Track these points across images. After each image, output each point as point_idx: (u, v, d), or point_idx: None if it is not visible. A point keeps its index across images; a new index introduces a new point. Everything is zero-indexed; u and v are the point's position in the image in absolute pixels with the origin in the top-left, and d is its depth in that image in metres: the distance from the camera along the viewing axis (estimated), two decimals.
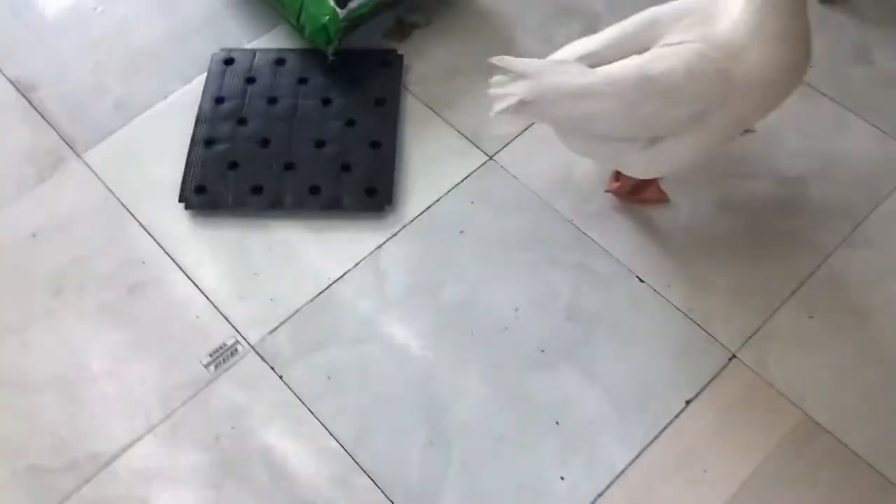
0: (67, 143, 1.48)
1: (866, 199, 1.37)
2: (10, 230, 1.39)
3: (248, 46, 1.58)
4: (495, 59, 1.18)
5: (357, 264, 1.34)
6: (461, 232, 1.36)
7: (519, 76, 1.17)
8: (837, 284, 1.30)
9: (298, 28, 1.52)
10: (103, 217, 1.40)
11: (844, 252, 1.32)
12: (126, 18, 1.64)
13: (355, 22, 1.50)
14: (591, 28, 1.55)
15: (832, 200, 1.37)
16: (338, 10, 1.47)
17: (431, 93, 1.52)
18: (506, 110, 1.16)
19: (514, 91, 1.16)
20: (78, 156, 1.46)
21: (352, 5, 1.48)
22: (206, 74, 1.53)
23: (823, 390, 1.20)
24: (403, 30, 1.60)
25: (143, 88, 1.54)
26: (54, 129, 1.50)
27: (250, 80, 1.51)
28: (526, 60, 1.18)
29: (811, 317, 1.27)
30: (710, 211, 1.37)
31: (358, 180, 1.40)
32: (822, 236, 1.34)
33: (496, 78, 1.19)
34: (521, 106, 1.16)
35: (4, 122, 1.51)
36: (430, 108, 1.49)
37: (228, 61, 1.54)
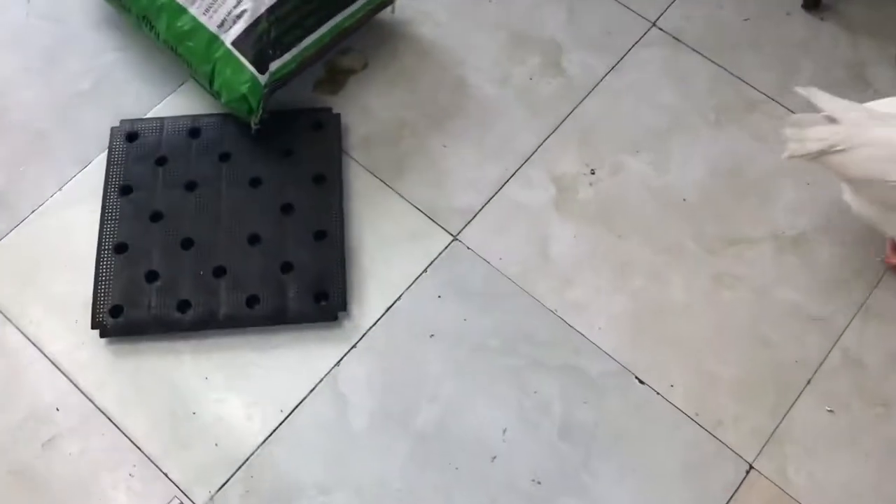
0: None
1: (877, 260, 1.22)
2: None
3: (153, 113, 1.32)
4: (801, 89, 1.06)
5: (312, 390, 1.14)
6: (431, 336, 1.17)
7: (827, 119, 1.04)
8: (854, 367, 1.17)
9: (213, 94, 1.28)
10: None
11: (857, 326, 1.19)
12: None
13: (282, 82, 1.27)
14: (553, 63, 1.35)
15: (839, 261, 1.23)
16: (258, 75, 1.22)
17: (377, 158, 1.30)
18: (800, 156, 1.05)
19: (820, 137, 1.03)
20: None
21: (274, 66, 1.24)
22: (105, 154, 1.28)
23: (854, 500, 1.09)
24: (336, 78, 1.36)
25: (30, 179, 1.28)
26: None
27: (161, 161, 1.27)
28: (841, 103, 1.05)
29: (830, 410, 1.14)
30: (706, 285, 1.22)
31: (303, 283, 1.19)
32: (831, 308, 1.19)
33: (796, 117, 1.06)
34: (823, 156, 1.03)
35: None
36: (379, 179, 1.28)
37: (131, 136, 1.28)
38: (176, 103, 1.33)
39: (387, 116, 1.33)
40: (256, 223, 1.23)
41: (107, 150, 1.27)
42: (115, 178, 1.25)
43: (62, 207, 1.25)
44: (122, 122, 1.29)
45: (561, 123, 1.33)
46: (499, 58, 1.38)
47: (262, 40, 1.22)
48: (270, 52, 1.23)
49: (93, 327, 1.15)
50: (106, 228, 1.21)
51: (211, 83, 1.25)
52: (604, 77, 1.37)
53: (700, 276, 1.21)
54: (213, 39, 1.24)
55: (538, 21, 1.42)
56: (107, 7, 1.38)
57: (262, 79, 1.22)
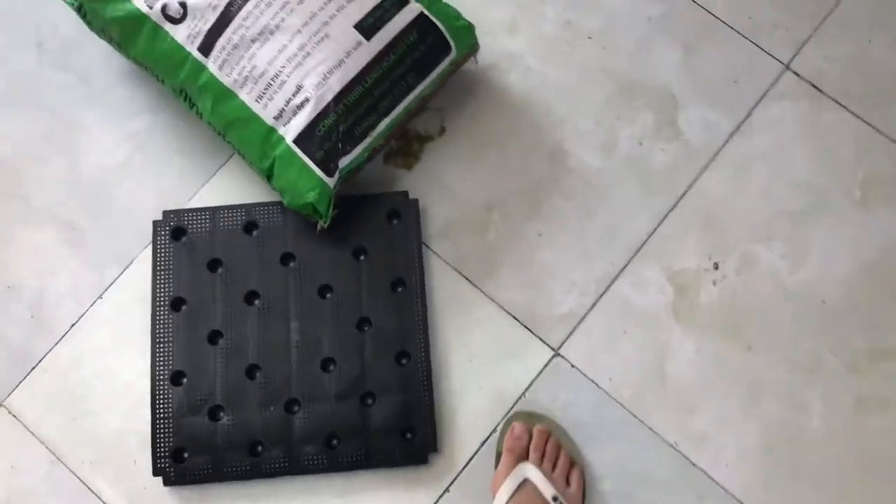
0: None
1: None
2: None
3: (199, 196, 1.13)
4: None
5: None
6: None
7: None
8: None
9: (274, 188, 1.08)
10: (51, 491, 1.04)
11: None
12: (13, 162, 1.16)
13: (353, 174, 1.07)
14: (668, 121, 1.14)
15: None
16: (326, 179, 1.02)
17: (462, 251, 1.11)
18: None
19: None
20: None
21: (344, 163, 1.03)
22: (148, 251, 1.11)
23: None
24: (410, 147, 1.15)
25: (64, 283, 1.11)
26: None
27: (214, 265, 1.09)
28: None
29: None
30: (848, 410, 1.04)
31: (386, 417, 1.04)
32: None
33: None
34: None
35: None
36: (465, 278, 1.10)
37: (177, 233, 1.10)
38: (225, 181, 1.14)
39: (471, 196, 1.13)
40: (330, 344, 1.06)
41: (150, 249, 1.10)
42: (164, 287, 1.08)
43: (106, 320, 1.09)
44: (166, 214, 1.11)
45: (678, 203, 1.13)
46: (603, 115, 1.16)
47: (330, 138, 1.02)
48: (340, 147, 1.03)
49: (154, 474, 1.03)
50: (159, 354, 1.06)
51: (269, 179, 1.06)
52: (728, 140, 1.15)
53: (842, 399, 1.05)
54: (271, 133, 1.03)
55: (648, 63, 1.18)
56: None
57: (332, 181, 1.03)
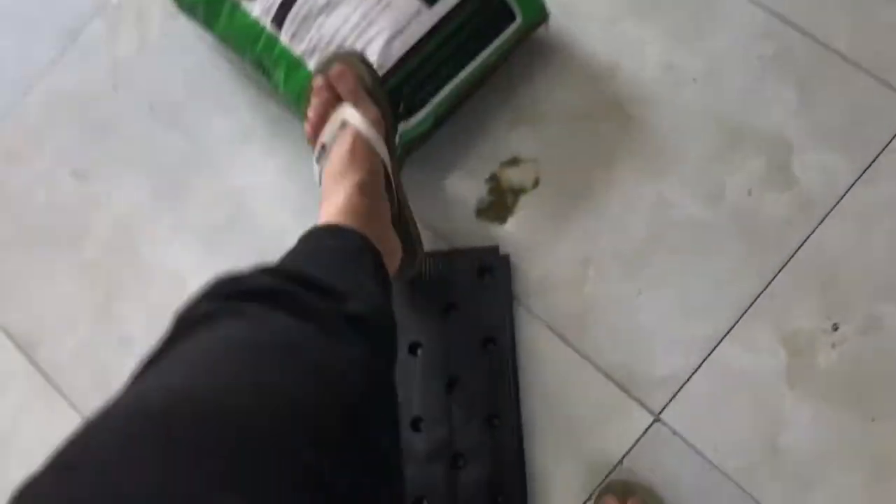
0: None
1: None
2: None
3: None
4: None
5: None
6: None
7: None
8: None
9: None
10: None
11: None
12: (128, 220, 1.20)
13: (416, 143, 1.09)
14: (781, 167, 1.06)
15: None
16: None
17: (556, 308, 1.07)
18: None
19: None
20: None
21: (404, 128, 1.04)
22: None
23: None
24: (503, 200, 1.12)
25: None
26: None
27: None
28: None
29: None
30: None
31: (476, 483, 1.00)
32: None
33: None
34: None
35: None
36: (558, 336, 1.06)
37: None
38: None
39: (566, 251, 1.08)
40: (419, 402, 1.05)
41: None
42: None
43: None
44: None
45: (791, 257, 1.04)
46: (708, 162, 1.09)
47: (393, 102, 1.03)
48: (400, 112, 1.04)
49: None
50: None
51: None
52: (849, 189, 1.05)
53: None
54: None
55: (758, 105, 1.10)
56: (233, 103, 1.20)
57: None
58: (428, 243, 1.08)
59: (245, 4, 1.10)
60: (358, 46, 1.04)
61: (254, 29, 1.09)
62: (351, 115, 0.95)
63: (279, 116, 1.20)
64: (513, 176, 1.13)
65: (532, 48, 1.15)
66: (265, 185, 1.18)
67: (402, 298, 1.08)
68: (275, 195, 1.18)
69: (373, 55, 1.03)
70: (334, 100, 0.97)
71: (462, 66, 1.06)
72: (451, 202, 1.13)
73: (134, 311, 1.16)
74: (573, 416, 1.03)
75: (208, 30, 1.16)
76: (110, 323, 1.16)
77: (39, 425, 1.13)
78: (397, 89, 1.03)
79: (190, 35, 1.23)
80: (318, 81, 0.97)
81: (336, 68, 0.97)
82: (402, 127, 1.05)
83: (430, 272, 1.07)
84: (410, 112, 1.05)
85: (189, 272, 1.16)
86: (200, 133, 1.22)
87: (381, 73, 1.03)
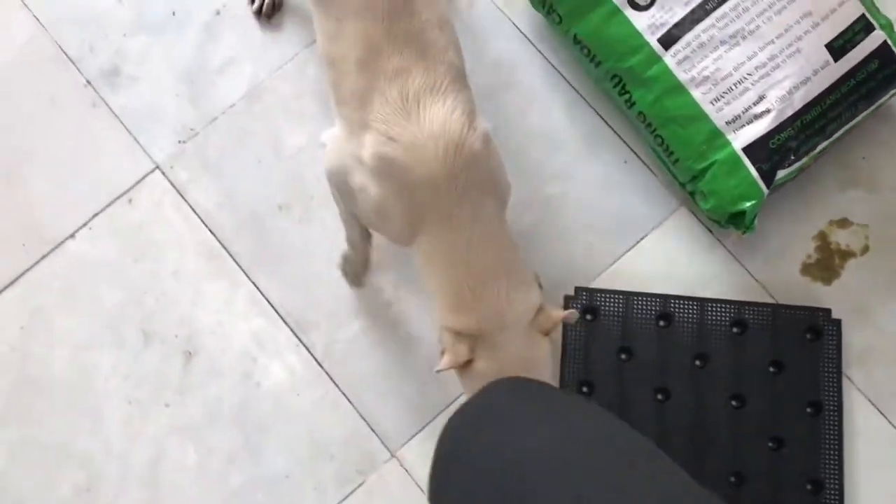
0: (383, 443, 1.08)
1: None
2: None
3: (606, 276, 1.10)
4: None
5: None
6: None
7: None
8: None
9: (682, 184, 1.09)
10: None
11: None
12: None
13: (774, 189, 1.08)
14: None
15: None
16: (764, 190, 1.02)
17: (880, 385, 1.06)
18: None
19: None
20: (392, 455, 1.08)
21: (779, 176, 1.03)
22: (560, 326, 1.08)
23: None
24: (830, 261, 1.10)
25: None
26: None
27: (625, 353, 1.06)
28: None
29: None
30: None
31: None
32: None
33: None
34: None
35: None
36: (881, 414, 1.05)
37: (590, 312, 1.08)
38: (634, 265, 1.10)
39: (893, 326, 1.08)
40: (739, 457, 1.03)
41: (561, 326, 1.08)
42: (575, 366, 1.05)
43: None
44: (578, 291, 1.08)
45: None
46: None
47: (778, 152, 1.02)
48: (783, 161, 1.03)
49: None
50: None
51: (694, 179, 1.05)
52: None
53: None
54: (716, 135, 1.03)
55: None
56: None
57: (766, 193, 1.02)
58: (748, 292, 1.07)
59: (628, 13, 1.04)
60: (757, 88, 1.01)
61: (633, 40, 1.04)
62: None
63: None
64: (841, 238, 1.11)
65: (887, 112, 1.13)
66: (573, 193, 1.14)
67: (726, 346, 1.05)
68: (582, 206, 1.13)
69: (773, 100, 1.00)
70: None
71: (846, 122, 1.05)
72: (777, 253, 1.10)
73: None
74: (893, 496, 1.03)
75: (561, 26, 1.10)
76: None
77: None
78: (788, 139, 1.01)
79: None
80: None
81: None
82: (779, 173, 1.03)
83: (754, 323, 1.06)
84: (788, 164, 1.03)
85: None
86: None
87: (778, 120, 1.01)
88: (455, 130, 0.83)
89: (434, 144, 0.83)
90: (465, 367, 0.85)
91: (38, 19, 1.20)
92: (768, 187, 1.02)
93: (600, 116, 1.14)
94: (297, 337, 1.10)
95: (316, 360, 1.09)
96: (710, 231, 1.11)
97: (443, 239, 0.85)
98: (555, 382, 0.93)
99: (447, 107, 0.84)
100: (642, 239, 1.11)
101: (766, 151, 1.01)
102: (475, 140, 0.84)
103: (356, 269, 1.08)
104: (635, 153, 1.13)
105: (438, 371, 0.85)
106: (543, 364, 0.87)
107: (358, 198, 0.89)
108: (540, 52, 1.16)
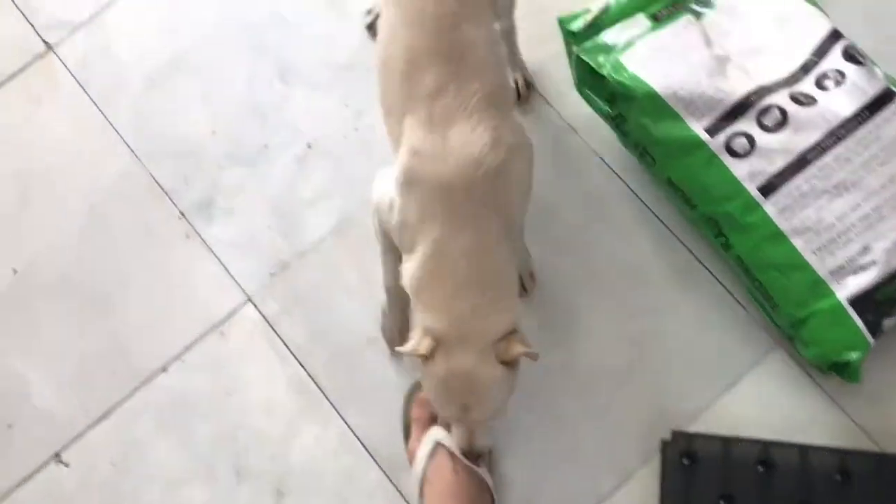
0: None
1: None
2: None
3: (705, 418, 1.08)
4: None
5: None
6: None
7: None
8: None
9: (780, 328, 1.07)
10: None
11: None
12: None
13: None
14: None
15: None
16: (871, 342, 1.00)
17: None
18: None
19: None
20: None
21: (886, 327, 1.01)
22: (651, 469, 1.06)
23: None
24: None
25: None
26: None
27: (724, 500, 1.03)
28: None
29: None
30: None
31: None
32: None
33: None
34: None
35: None
36: None
37: (689, 457, 1.05)
38: (729, 407, 1.08)
39: None
40: None
41: (659, 471, 1.05)
42: None
43: None
44: (676, 435, 1.06)
45: None
46: None
47: (885, 304, 1.01)
48: (892, 311, 1.02)
49: None
50: None
51: (794, 326, 1.04)
52: None
53: None
54: (819, 285, 1.02)
55: None
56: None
57: (872, 343, 1.01)
58: (849, 437, 1.05)
59: (726, 159, 1.04)
60: (862, 239, 1.00)
61: (730, 186, 1.04)
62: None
63: None
64: None
65: None
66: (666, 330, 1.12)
67: (833, 492, 1.02)
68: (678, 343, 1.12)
69: (879, 252, 1.00)
70: None
71: None
72: (879, 397, 1.07)
73: None
74: None
75: (653, 168, 1.11)
76: None
77: None
78: (893, 293, 1.01)
79: None
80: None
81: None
82: (885, 323, 1.02)
83: (859, 472, 1.03)
84: (894, 310, 1.02)
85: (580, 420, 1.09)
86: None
87: (885, 272, 1.00)
88: (475, 147, 0.87)
89: (454, 159, 0.87)
90: (425, 361, 0.89)
91: (133, 152, 1.24)
92: (874, 337, 1.00)
93: (692, 253, 1.14)
94: (387, 477, 1.09)
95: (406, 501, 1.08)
96: (809, 374, 1.09)
97: (441, 242, 0.88)
98: (502, 413, 0.94)
99: (471, 124, 0.88)
100: (739, 380, 1.09)
101: (872, 303, 1.00)
102: (494, 158, 0.87)
103: (391, 325, 1.10)
104: (729, 291, 1.12)
105: (397, 350, 0.92)
106: (486, 389, 0.89)
107: (391, 218, 0.93)
108: (631, 189, 1.17)
